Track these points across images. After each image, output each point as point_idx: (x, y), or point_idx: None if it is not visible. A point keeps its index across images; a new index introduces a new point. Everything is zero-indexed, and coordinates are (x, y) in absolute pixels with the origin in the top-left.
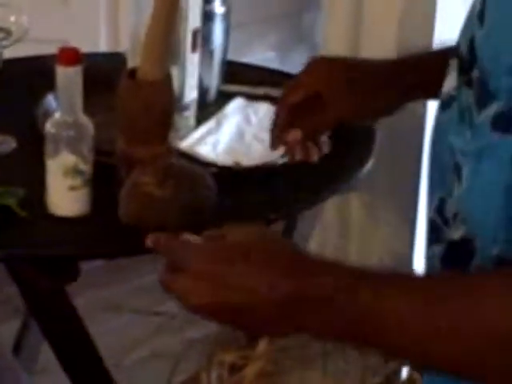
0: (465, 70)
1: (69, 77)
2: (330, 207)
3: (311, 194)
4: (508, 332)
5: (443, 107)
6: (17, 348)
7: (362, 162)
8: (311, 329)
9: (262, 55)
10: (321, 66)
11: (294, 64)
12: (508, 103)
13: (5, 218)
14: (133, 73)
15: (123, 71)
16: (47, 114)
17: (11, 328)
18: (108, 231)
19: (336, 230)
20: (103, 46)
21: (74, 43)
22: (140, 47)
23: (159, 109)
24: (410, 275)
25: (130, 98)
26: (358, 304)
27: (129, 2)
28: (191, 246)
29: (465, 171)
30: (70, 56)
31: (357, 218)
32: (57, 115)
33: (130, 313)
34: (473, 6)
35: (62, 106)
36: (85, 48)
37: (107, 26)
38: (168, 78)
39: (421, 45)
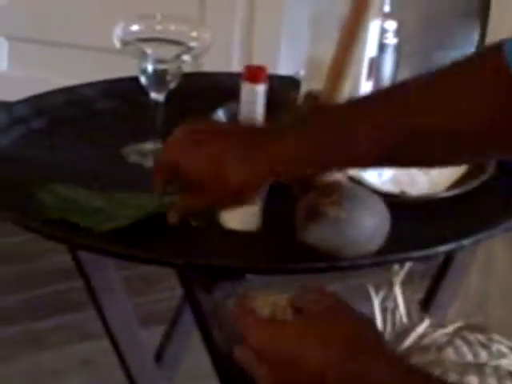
0: None
1: (254, 94)
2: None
3: (478, 230)
4: None
5: None
6: (159, 356)
7: None
8: None
9: None
10: None
11: None
12: None
13: (180, 227)
14: (309, 96)
15: (299, 94)
16: None
17: (154, 336)
18: (278, 248)
19: (480, 268)
20: (235, 67)
21: (206, 64)
22: (317, 72)
23: None
24: None
25: None
26: None
27: (263, 25)
28: (251, 323)
29: None
30: (257, 74)
31: (501, 260)
32: None
33: None
34: None
35: (244, 122)
36: (218, 69)
37: (241, 49)
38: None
39: None
